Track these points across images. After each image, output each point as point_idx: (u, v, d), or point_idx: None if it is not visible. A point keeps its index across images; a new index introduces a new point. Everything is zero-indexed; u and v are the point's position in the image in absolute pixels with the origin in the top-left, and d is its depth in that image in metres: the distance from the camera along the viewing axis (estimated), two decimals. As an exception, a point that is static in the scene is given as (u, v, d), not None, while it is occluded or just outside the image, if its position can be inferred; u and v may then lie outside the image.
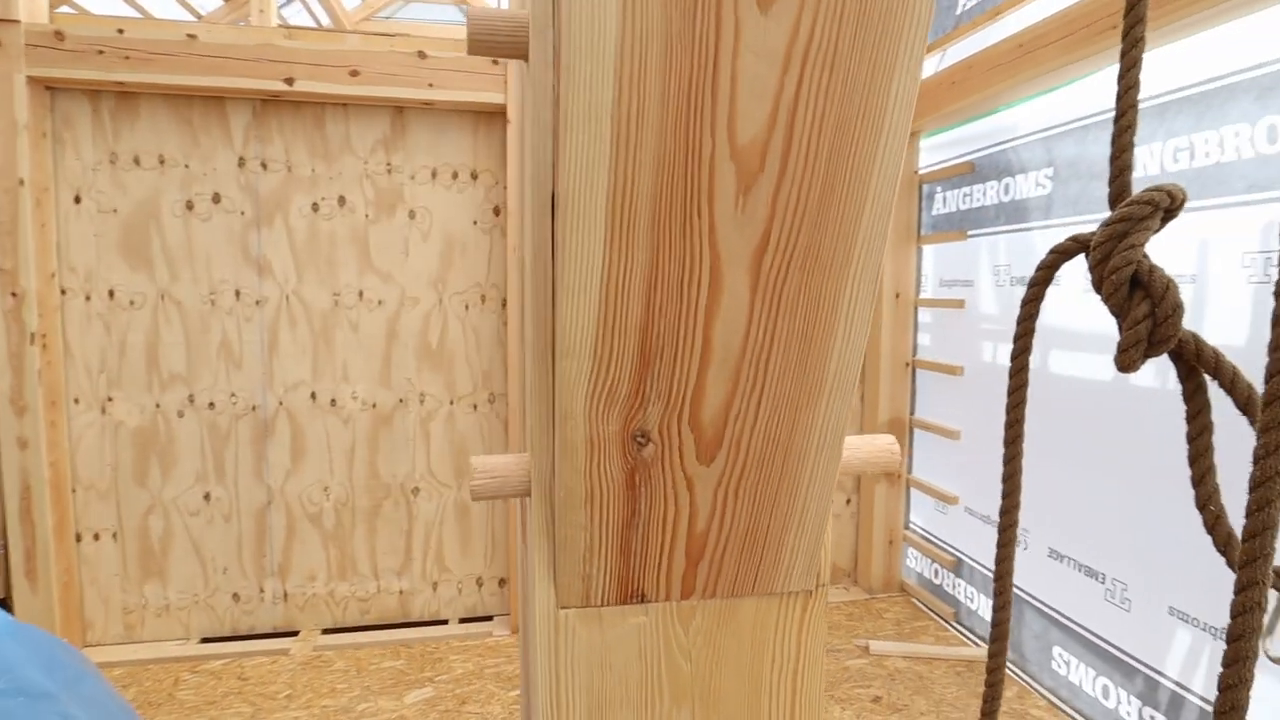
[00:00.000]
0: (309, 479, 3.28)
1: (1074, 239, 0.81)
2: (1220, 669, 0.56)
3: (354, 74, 3.10)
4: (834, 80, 0.29)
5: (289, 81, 3.02)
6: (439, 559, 3.43)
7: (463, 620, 3.46)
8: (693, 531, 0.37)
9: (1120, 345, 0.76)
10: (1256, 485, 0.59)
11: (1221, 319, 2.15)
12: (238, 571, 3.25)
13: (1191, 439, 0.81)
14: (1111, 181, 0.79)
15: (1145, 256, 0.73)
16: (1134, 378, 2.43)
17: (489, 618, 3.49)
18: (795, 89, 0.29)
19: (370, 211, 3.27)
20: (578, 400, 0.33)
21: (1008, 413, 0.83)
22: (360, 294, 3.29)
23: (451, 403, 3.40)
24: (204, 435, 3.17)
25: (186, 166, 3.08)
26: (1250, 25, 2.04)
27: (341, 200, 3.25)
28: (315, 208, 3.21)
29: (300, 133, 3.18)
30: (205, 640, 3.21)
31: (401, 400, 3.35)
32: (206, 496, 3.20)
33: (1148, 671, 2.27)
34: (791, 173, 0.31)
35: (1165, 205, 0.73)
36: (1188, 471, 0.78)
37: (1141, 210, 0.74)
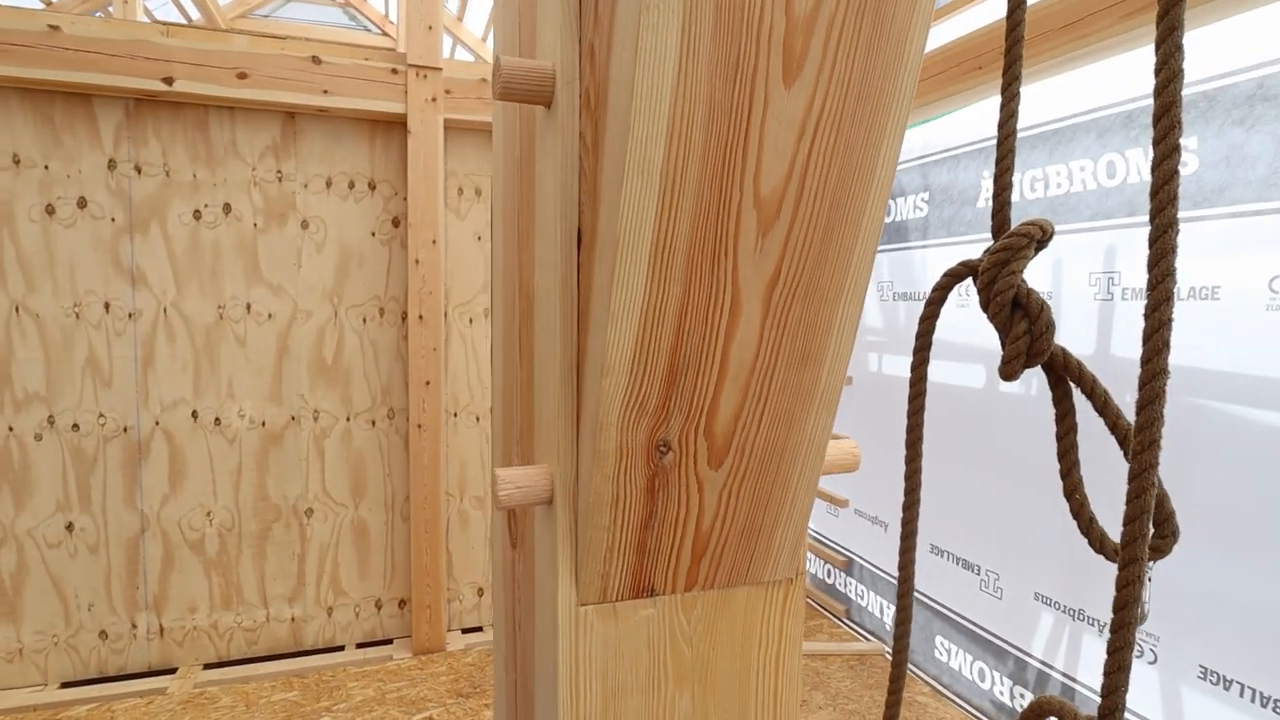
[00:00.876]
0: (189, 504, 3.04)
1: (964, 264, 0.93)
2: (1109, 634, 0.66)
3: (242, 76, 2.95)
4: (838, 142, 0.35)
5: (168, 81, 2.83)
6: (334, 583, 3.27)
7: (360, 645, 3.31)
8: (699, 529, 0.42)
9: (1004, 358, 0.88)
10: (1134, 476, 0.71)
11: (1073, 331, 2.44)
12: (105, 607, 2.96)
13: (1060, 437, 0.94)
14: (994, 215, 0.92)
15: (1023, 281, 0.86)
16: (998, 386, 2.71)
17: (389, 641, 3.36)
18: (808, 149, 0.35)
19: (259, 220, 3.10)
20: (613, 413, 0.37)
21: (909, 418, 0.93)
22: (248, 307, 3.11)
23: (348, 419, 3.26)
24: (66, 460, 2.88)
25: (46, 168, 2.81)
26: (1090, 74, 2.36)
27: (227, 208, 3.06)
28: (197, 215, 3.01)
29: (180, 135, 2.97)
30: (66, 685, 2.90)
31: (294, 417, 3.18)
32: (69, 527, 2.90)
33: (1018, 654, 2.53)
34: (801, 218, 0.36)
35: (1039, 237, 0.86)
36: (1055, 467, 0.91)
37: (1019, 241, 0.86)
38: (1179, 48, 0.65)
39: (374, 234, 3.27)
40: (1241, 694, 1.96)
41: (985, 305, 0.88)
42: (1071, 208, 2.48)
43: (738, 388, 0.38)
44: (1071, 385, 0.94)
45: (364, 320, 3.26)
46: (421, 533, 3.27)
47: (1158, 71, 0.61)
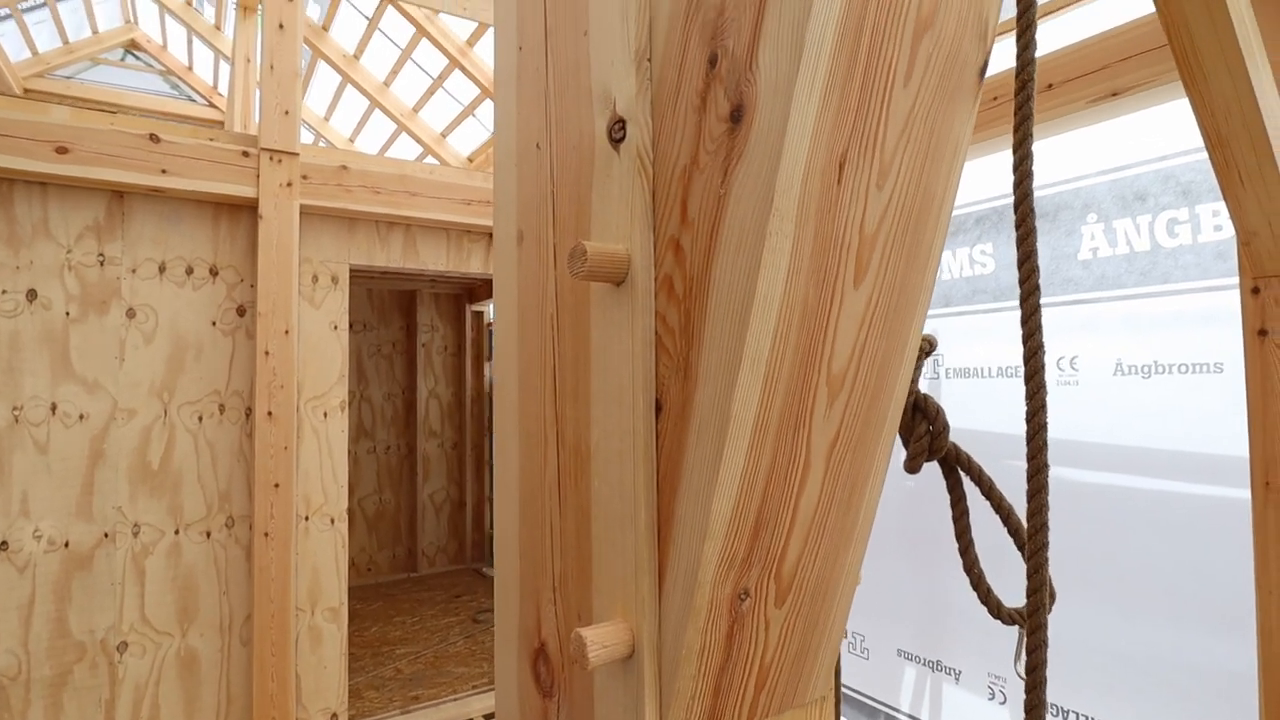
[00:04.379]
0: (-39, 652, 2.51)
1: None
2: (1025, 694, 0.76)
3: (61, 151, 2.66)
4: (885, 329, 0.42)
5: (-34, 152, 2.49)
6: (154, 729, 2.80)
7: (187, 802, 2.83)
8: (763, 663, 0.45)
9: (909, 455, 1.01)
10: (1031, 555, 0.83)
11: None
12: None
13: (956, 519, 1.08)
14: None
15: (918, 388, 0.99)
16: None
17: (223, 791, 2.91)
18: (865, 335, 0.42)
19: (73, 309, 2.75)
20: (710, 571, 0.39)
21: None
22: (53, 408, 2.70)
23: (177, 531, 2.88)
24: None
25: None
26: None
27: (31, 295, 2.69)
28: (-5, 303, 2.62)
29: (-24, 212, 2.60)
30: None
31: (107, 534, 2.76)
32: None
33: (886, 710, 2.69)
34: (858, 388, 0.42)
35: (928, 351, 1.01)
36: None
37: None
38: (1029, 174, 0.82)
39: (215, 323, 3.00)
40: (1074, 728, 2.23)
41: (889, 410, 1.00)
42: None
43: (801, 534, 0.43)
44: (963, 475, 1.09)
45: (200, 419, 2.94)
46: (267, 656, 2.91)
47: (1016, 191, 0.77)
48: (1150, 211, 2.48)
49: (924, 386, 2.80)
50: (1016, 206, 0.90)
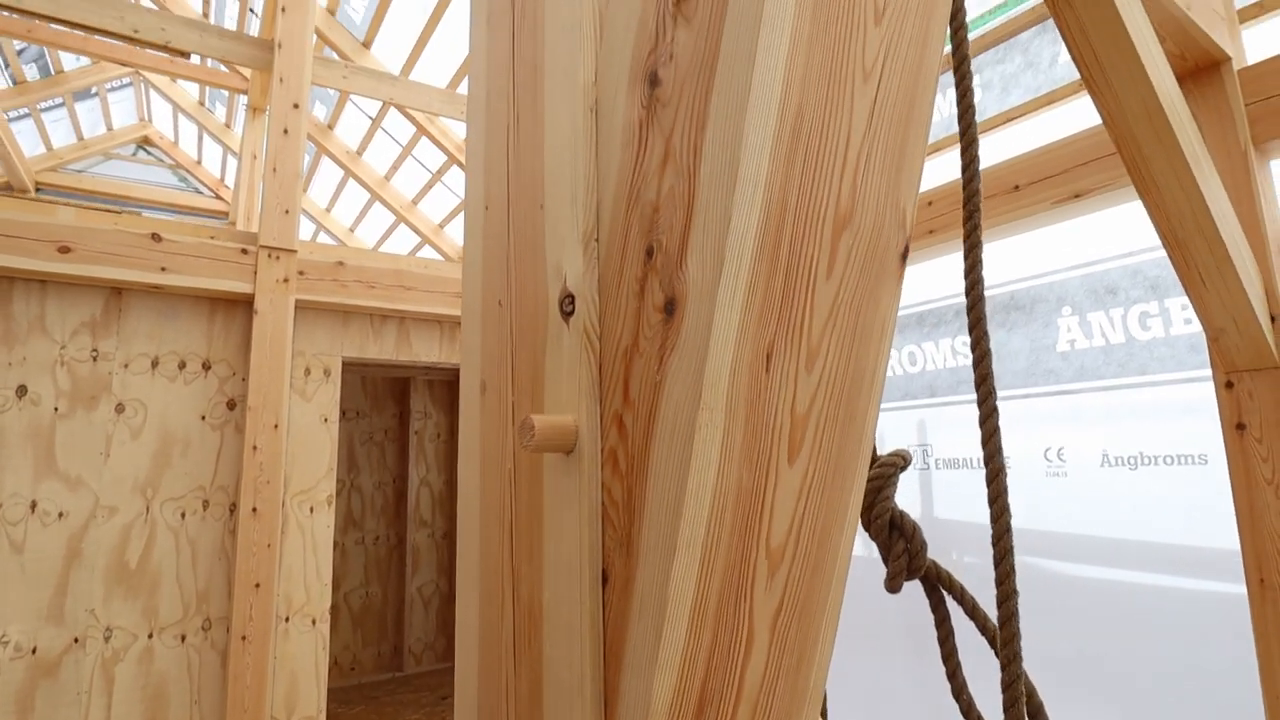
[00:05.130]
0: (-88, 771, 2.37)
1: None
2: None
3: (64, 250, 2.73)
4: (823, 499, 0.44)
5: (-30, 254, 2.56)
6: None
7: None
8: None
9: (889, 574, 1.00)
10: (1006, 686, 0.82)
11: (899, 496, 2.73)
12: None
13: (942, 641, 1.06)
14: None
15: (895, 504, 0.99)
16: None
17: None
18: (803, 508, 0.43)
19: (62, 404, 2.75)
20: (653, 752, 0.39)
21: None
22: (33, 505, 2.66)
23: (150, 635, 2.79)
24: None
25: None
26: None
27: (21, 390, 2.70)
28: (-17, 401, 2.62)
29: (-26, 312, 2.65)
30: None
31: (77, 640, 2.66)
32: None
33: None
34: (799, 560, 0.43)
35: (902, 466, 1.02)
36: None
37: (888, 470, 1.01)
38: (980, 280, 0.85)
39: (204, 418, 3.00)
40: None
41: (866, 526, 1.00)
42: (885, 390, 2.87)
43: (749, 708, 0.42)
44: (945, 594, 1.08)
45: (182, 515, 2.90)
46: (237, 770, 2.76)
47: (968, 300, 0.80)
48: (1122, 305, 2.55)
49: (915, 478, 2.79)
50: (971, 329, 0.93)
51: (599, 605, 0.44)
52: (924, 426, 2.85)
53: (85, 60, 6.62)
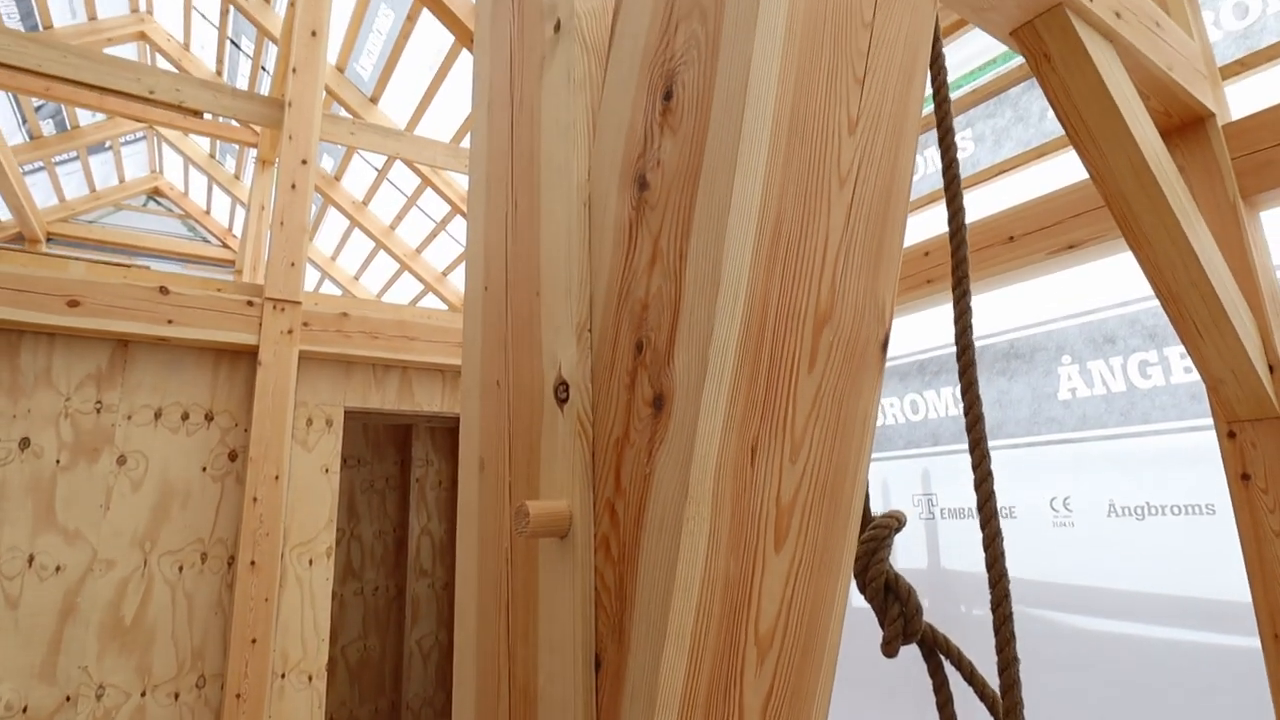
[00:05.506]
0: (-106, 838, 2.31)
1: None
2: None
3: (73, 304, 2.77)
4: (811, 584, 0.44)
5: (-19, 309, 2.60)
6: None
7: None
8: None
9: (885, 639, 1.00)
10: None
11: (907, 549, 2.71)
12: None
13: (940, 706, 1.04)
14: (859, 507, 1.07)
15: (890, 566, 0.99)
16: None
17: None
18: (791, 593, 0.44)
19: (64, 456, 2.76)
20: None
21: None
22: (30, 559, 2.64)
23: (143, 694, 2.74)
24: None
25: None
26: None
27: (24, 443, 2.71)
28: (-14, 455, 2.63)
29: (-18, 365, 2.67)
30: None
31: (69, 698, 2.62)
32: None
33: None
34: (788, 645, 0.44)
35: (896, 528, 1.02)
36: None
37: (882, 533, 1.01)
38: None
39: (205, 469, 3.00)
40: None
41: (861, 589, 1.00)
42: (889, 438, 2.86)
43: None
44: (942, 657, 1.07)
45: (180, 569, 2.87)
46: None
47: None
48: (1121, 353, 2.56)
49: (921, 528, 2.76)
50: (964, 393, 0.94)
51: (592, 691, 0.45)
52: (928, 475, 2.84)
53: (100, 115, 6.81)
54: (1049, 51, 1.53)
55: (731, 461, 0.40)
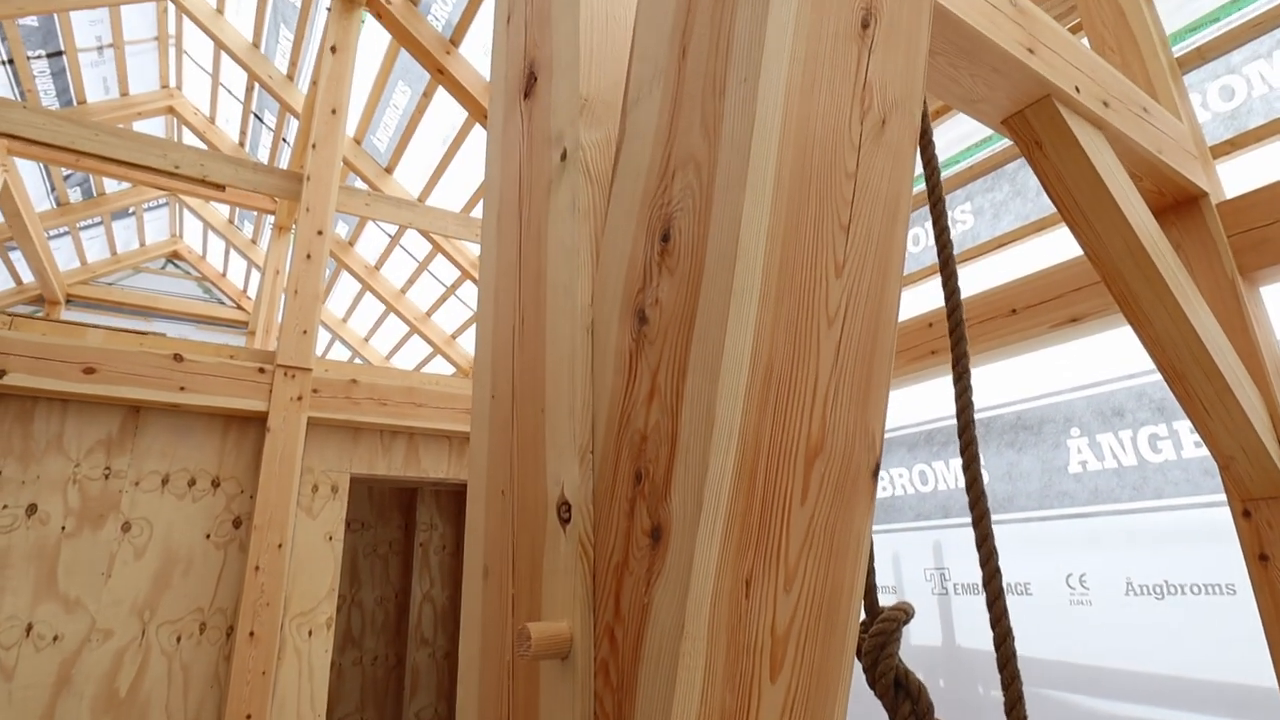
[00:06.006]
0: None
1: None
2: None
3: (89, 371, 2.82)
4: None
5: None
6: None
7: None
8: None
9: (895, 738, 0.97)
10: None
11: (921, 626, 2.64)
12: None
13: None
14: (865, 597, 1.06)
15: (900, 661, 0.97)
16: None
17: None
18: (793, 672, 0.44)
19: (69, 523, 2.76)
20: None
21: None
22: (28, 629, 2.61)
23: (134, 771, 2.65)
24: None
25: None
26: (897, 398, 2.86)
27: (31, 509, 2.71)
28: (-7, 522, 2.63)
29: (-4, 432, 2.70)
30: None
31: (58, 776, 2.54)
32: None
33: None
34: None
35: (903, 620, 1.00)
36: None
37: (890, 625, 0.99)
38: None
39: (209, 536, 2.99)
40: None
41: (871, 685, 0.98)
42: (898, 509, 2.83)
43: None
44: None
45: (178, 639, 2.83)
46: None
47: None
48: (1130, 427, 2.55)
49: (934, 604, 2.69)
50: (969, 488, 0.95)
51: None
52: (940, 548, 2.79)
53: (126, 184, 7.05)
54: (1040, 139, 1.58)
55: (727, 595, 0.41)
